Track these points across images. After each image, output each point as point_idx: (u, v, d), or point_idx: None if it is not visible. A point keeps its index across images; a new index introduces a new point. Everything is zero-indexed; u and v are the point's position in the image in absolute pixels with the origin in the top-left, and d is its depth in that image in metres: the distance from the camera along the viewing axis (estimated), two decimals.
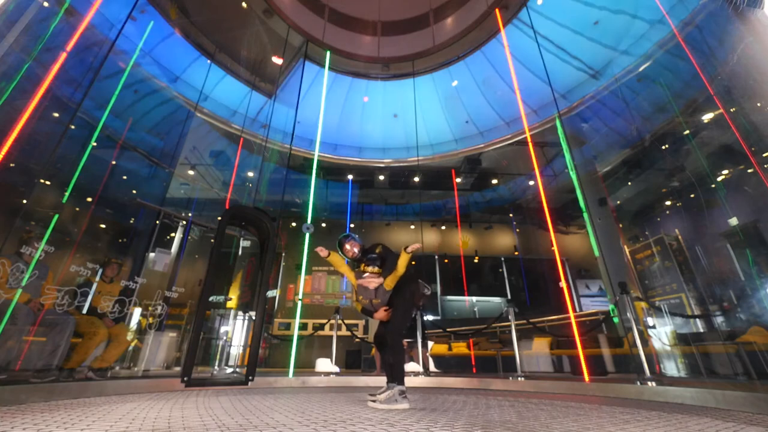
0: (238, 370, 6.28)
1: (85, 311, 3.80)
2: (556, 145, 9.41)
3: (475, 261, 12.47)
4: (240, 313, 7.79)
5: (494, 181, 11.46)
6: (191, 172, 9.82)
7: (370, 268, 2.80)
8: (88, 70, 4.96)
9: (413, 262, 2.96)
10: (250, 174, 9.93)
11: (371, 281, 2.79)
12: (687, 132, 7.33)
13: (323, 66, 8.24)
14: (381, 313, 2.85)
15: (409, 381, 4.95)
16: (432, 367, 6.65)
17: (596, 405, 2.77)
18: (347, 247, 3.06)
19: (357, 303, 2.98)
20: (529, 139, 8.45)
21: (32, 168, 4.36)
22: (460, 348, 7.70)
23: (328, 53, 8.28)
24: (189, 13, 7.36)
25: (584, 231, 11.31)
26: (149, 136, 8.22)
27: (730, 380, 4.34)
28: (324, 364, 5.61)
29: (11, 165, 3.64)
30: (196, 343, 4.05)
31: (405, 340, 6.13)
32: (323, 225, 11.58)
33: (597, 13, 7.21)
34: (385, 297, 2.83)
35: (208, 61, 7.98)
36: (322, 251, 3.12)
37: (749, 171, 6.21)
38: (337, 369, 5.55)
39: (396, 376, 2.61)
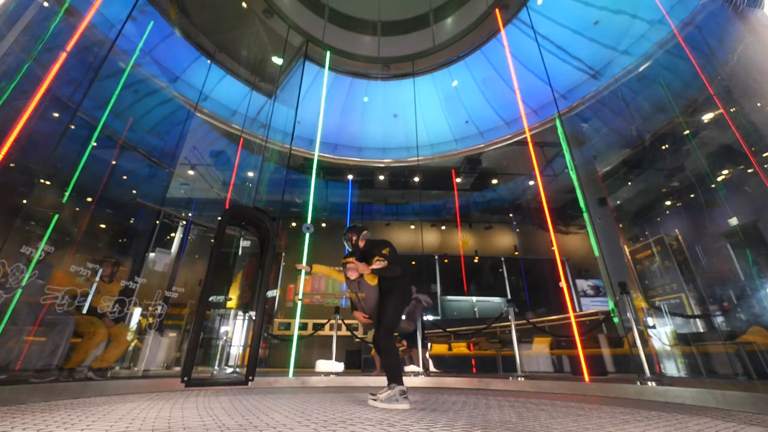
0: (238, 370, 6.28)
1: (85, 311, 3.80)
2: (556, 145, 9.41)
3: (475, 261, 12.46)
4: (240, 313, 7.80)
5: (494, 181, 11.46)
6: (191, 172, 9.82)
7: (349, 259, 2.93)
8: (88, 70, 4.96)
9: (413, 262, 3.01)
10: (250, 174, 9.92)
11: (349, 270, 2.92)
12: (687, 132, 7.33)
13: (323, 66, 8.24)
14: (359, 314, 2.97)
15: (409, 381, 4.95)
16: (432, 368, 6.64)
17: (596, 405, 2.77)
18: (348, 235, 3.23)
19: (351, 294, 3.10)
20: (529, 139, 8.45)
21: (32, 168, 4.35)
22: (460, 348, 7.70)
23: (328, 53, 8.29)
24: (189, 13, 7.36)
25: (584, 231, 11.31)
26: (149, 136, 8.22)
27: (730, 380, 4.34)
28: (325, 365, 5.56)
29: (11, 165, 3.63)
30: (196, 343, 4.05)
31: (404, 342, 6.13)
32: (323, 225, 11.56)
33: (597, 13, 7.21)
34: (369, 292, 2.88)
35: (208, 61, 7.98)
36: (303, 267, 3.24)
37: (749, 171, 6.21)
38: (340, 367, 5.49)
39: (394, 376, 2.60)
